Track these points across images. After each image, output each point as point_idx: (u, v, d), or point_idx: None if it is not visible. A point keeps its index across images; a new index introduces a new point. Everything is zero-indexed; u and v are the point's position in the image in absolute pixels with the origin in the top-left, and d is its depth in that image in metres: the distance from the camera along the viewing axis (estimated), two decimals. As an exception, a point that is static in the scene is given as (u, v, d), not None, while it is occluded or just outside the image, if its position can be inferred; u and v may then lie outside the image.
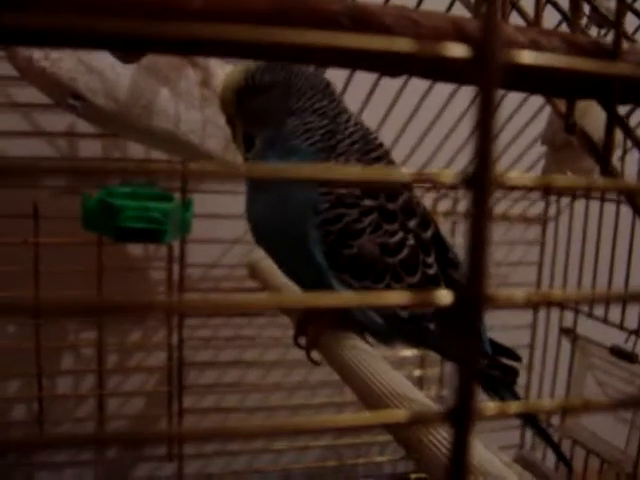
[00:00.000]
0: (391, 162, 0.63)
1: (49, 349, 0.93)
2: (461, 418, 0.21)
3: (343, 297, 0.22)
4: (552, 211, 1.10)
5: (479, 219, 0.20)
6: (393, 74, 0.22)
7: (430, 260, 0.60)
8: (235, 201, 0.84)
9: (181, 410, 1.01)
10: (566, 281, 1.06)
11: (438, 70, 0.21)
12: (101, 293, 0.93)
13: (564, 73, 0.21)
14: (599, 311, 0.98)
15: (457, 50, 0.20)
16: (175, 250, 0.97)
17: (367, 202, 0.58)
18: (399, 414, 0.21)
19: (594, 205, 1.00)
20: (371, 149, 0.61)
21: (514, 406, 0.23)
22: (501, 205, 1.08)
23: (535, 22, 0.37)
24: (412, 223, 0.60)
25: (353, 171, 0.20)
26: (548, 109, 0.76)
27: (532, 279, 1.13)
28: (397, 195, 0.59)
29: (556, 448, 0.72)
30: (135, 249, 1.00)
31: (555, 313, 1.09)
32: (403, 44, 0.20)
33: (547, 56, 0.20)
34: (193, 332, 1.02)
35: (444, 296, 0.21)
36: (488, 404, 0.22)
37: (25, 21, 0.18)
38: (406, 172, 0.21)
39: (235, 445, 1.08)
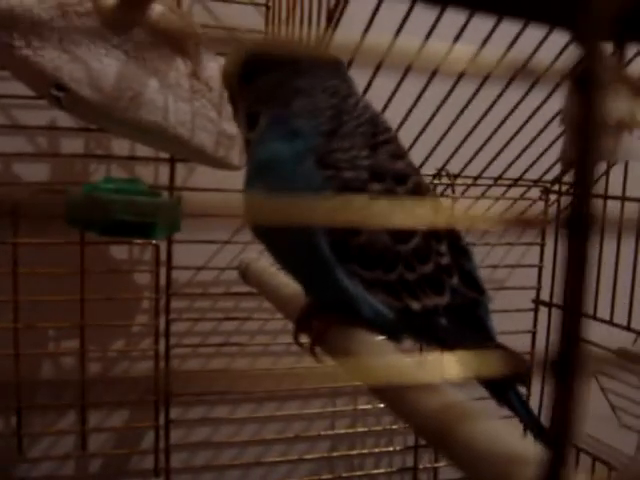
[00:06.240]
0: (399, 146, 0.59)
1: (28, 357, 0.88)
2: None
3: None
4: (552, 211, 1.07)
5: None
6: None
7: (443, 249, 0.57)
8: (225, 199, 0.80)
9: (168, 422, 0.95)
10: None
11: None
12: (83, 296, 0.88)
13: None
14: (603, 312, 0.95)
15: None
16: (162, 252, 0.92)
17: (375, 186, 0.54)
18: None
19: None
20: (377, 132, 0.57)
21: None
22: (499, 204, 1.04)
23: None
24: None
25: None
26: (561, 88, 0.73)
27: (532, 283, 1.10)
28: (406, 178, 0.56)
29: None
30: (119, 252, 0.94)
31: (556, 315, 1.05)
32: None
33: None
34: (180, 339, 0.97)
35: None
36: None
37: None
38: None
39: (225, 459, 1.02)
